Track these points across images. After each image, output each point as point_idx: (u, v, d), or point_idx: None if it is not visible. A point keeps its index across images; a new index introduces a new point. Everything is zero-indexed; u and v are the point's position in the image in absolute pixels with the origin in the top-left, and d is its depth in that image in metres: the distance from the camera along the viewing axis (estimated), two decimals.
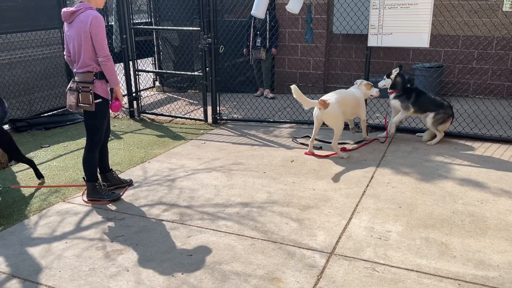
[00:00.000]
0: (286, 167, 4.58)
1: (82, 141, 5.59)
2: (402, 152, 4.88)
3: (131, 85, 6.96)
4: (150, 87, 9.22)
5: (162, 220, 3.49)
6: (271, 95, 7.94)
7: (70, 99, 3.58)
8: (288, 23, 7.90)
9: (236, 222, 3.42)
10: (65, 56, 3.72)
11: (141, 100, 7.10)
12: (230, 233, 3.26)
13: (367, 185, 4.06)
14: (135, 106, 7.00)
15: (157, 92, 8.97)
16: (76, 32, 3.48)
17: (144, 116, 7.02)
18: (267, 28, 7.69)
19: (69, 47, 3.62)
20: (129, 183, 4.16)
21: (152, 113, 7.01)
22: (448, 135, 5.30)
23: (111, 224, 3.44)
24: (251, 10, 5.62)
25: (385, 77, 5.37)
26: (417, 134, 5.46)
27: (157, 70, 8.81)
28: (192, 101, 7.92)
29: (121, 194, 3.92)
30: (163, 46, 9.14)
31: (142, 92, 8.50)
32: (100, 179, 3.98)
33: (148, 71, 7.38)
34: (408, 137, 5.39)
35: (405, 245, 3.03)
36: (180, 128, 6.30)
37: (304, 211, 3.59)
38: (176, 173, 4.47)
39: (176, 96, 8.44)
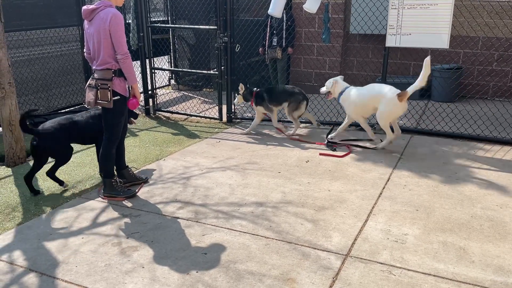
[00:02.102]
0: (301, 167, 4.55)
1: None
2: (420, 155, 4.81)
3: (147, 83, 7.00)
4: (165, 85, 9.27)
5: (177, 217, 3.50)
6: None
7: (89, 96, 3.62)
8: (304, 23, 7.86)
9: (250, 222, 3.40)
10: (85, 54, 3.76)
11: (156, 98, 7.14)
12: (245, 232, 3.25)
13: (384, 187, 4.01)
14: (150, 103, 7.04)
15: (172, 90, 9.01)
16: (95, 30, 3.51)
17: (159, 114, 7.05)
18: (284, 27, 7.67)
19: (89, 44, 3.65)
20: (144, 180, 4.19)
21: (167, 111, 7.04)
22: (467, 138, 5.22)
23: (126, 220, 3.46)
24: (268, 9, 5.61)
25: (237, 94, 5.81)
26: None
27: (173, 68, 8.85)
28: (207, 99, 7.93)
29: (136, 191, 3.94)
30: (179, 44, 9.18)
31: (157, 90, 8.59)
32: (117, 176, 4.00)
33: (164, 69, 7.42)
34: (425, 139, 5.31)
35: (422, 249, 2.99)
36: (195, 126, 6.31)
37: (319, 212, 3.56)
38: (191, 171, 4.48)
39: (191, 95, 8.47)
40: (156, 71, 7.17)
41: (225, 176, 4.35)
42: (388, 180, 4.16)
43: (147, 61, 6.92)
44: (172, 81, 9.35)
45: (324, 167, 4.53)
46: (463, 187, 3.97)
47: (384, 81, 5.54)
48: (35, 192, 3.97)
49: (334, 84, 5.27)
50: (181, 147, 5.33)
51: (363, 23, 7.00)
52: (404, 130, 5.57)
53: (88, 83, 3.67)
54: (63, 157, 4.04)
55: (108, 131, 3.74)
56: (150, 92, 7.01)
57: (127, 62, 3.59)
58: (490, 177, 4.16)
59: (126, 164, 4.14)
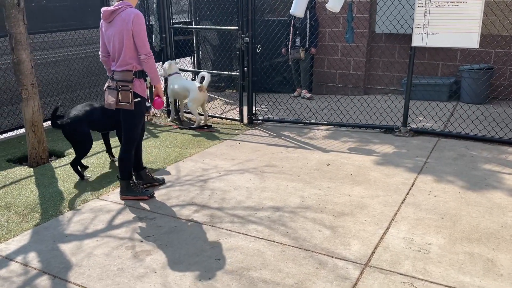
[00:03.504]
0: (321, 171, 4.43)
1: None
2: (447, 159, 4.60)
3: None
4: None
5: (193, 221, 3.44)
6: (308, 95, 7.78)
7: (109, 98, 3.61)
8: (328, 22, 7.71)
9: (266, 227, 3.31)
10: (100, 56, 3.75)
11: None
12: (260, 238, 3.16)
13: (407, 193, 3.85)
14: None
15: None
16: (117, 31, 3.49)
17: (180, 115, 7.04)
18: (307, 27, 7.54)
19: (107, 46, 3.65)
20: (161, 182, 4.16)
21: (188, 112, 7.01)
22: (498, 141, 4.97)
23: (142, 223, 3.43)
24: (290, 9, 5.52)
25: None
26: None
27: (195, 69, 8.84)
28: (229, 100, 7.89)
29: (153, 192, 3.91)
30: (202, 45, 9.18)
31: None
32: (134, 177, 3.99)
33: (186, 71, 7.40)
34: (453, 143, 5.09)
35: (446, 260, 2.83)
36: (216, 127, 6.26)
37: (338, 218, 3.44)
38: (208, 174, 4.42)
39: (214, 96, 8.44)
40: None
41: (243, 179, 4.28)
42: (412, 186, 3.99)
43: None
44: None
45: (345, 171, 4.39)
46: (493, 194, 3.76)
47: (409, 83, 5.32)
48: (81, 176, 4.35)
49: (168, 66, 6.40)
50: (200, 148, 5.29)
51: (389, 22, 6.81)
52: (431, 133, 5.37)
53: (107, 85, 3.67)
54: (82, 145, 4.27)
55: (127, 132, 3.73)
56: None
57: (151, 61, 3.56)
58: None
59: (144, 166, 4.12)
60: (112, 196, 3.93)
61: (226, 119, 6.64)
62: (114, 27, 3.50)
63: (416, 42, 5.08)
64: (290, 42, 7.69)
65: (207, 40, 9.19)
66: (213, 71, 8.44)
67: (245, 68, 6.26)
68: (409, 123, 5.50)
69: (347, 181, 4.14)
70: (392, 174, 4.27)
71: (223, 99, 8.05)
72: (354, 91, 7.84)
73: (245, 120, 6.44)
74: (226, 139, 5.64)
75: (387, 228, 3.25)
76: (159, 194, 3.97)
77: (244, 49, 6.15)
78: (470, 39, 4.78)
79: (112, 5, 3.54)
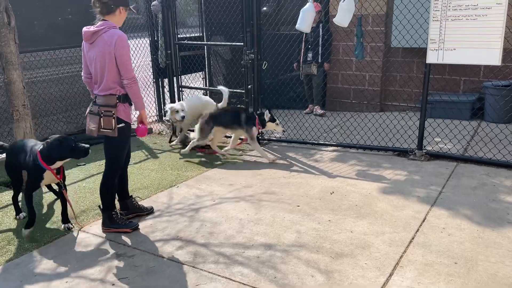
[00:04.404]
0: (324, 200, 4.06)
1: None
2: (465, 188, 4.16)
3: (174, 101, 6.77)
4: None
5: (174, 260, 3.13)
6: (320, 111, 7.42)
7: (91, 124, 3.37)
8: (342, 36, 7.34)
9: (253, 270, 2.97)
10: (83, 78, 3.52)
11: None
12: (244, 284, 2.82)
13: (417, 230, 3.43)
14: None
15: None
16: (99, 53, 3.26)
17: (186, 134, 6.79)
18: (320, 41, 7.21)
19: (89, 68, 3.42)
20: (149, 211, 3.88)
21: (193, 131, 6.75)
22: None
23: (119, 261, 3.14)
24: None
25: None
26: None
27: (204, 86, 8.63)
28: None
29: (138, 224, 3.63)
30: (214, 60, 8.96)
31: None
32: (119, 206, 3.73)
33: (191, 87, 7.16)
34: (473, 168, 4.63)
35: None
36: (220, 148, 5.96)
37: (335, 260, 3.06)
38: (202, 202, 4.12)
39: None
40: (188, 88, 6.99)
41: (238, 208, 3.95)
42: (423, 221, 3.57)
43: (175, 79, 6.71)
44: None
45: (350, 201, 4.01)
46: None
47: (425, 102, 4.90)
48: (16, 213, 3.96)
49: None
50: (199, 171, 5.00)
51: (407, 36, 6.38)
52: (449, 157, 4.92)
53: (88, 110, 3.43)
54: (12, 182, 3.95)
55: (110, 160, 3.48)
56: None
57: (134, 87, 3.32)
58: None
59: (131, 194, 3.85)
60: (95, 227, 3.67)
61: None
62: (95, 49, 3.27)
63: (432, 59, 4.67)
64: (301, 57, 7.38)
65: (219, 55, 8.97)
66: (217, 88, 8.23)
67: (250, 86, 5.96)
68: (425, 146, 5.06)
69: (350, 214, 3.76)
70: (402, 205, 3.86)
71: None
72: (370, 107, 7.43)
73: None
74: (228, 161, 5.34)
75: (390, 275, 2.86)
76: (145, 225, 3.68)
77: (249, 66, 5.86)
78: (492, 55, 4.34)
79: (95, 24, 3.31)
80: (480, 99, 6.53)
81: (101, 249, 3.32)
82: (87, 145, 3.42)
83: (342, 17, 4.95)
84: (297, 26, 5.25)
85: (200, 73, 9.06)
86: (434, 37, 4.60)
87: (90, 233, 3.57)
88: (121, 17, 3.35)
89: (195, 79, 8.84)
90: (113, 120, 3.27)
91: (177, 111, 5.68)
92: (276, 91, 7.91)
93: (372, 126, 5.77)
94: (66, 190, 3.59)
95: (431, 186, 4.22)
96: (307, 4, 5.19)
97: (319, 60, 7.25)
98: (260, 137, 6.08)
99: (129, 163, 3.79)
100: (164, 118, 6.16)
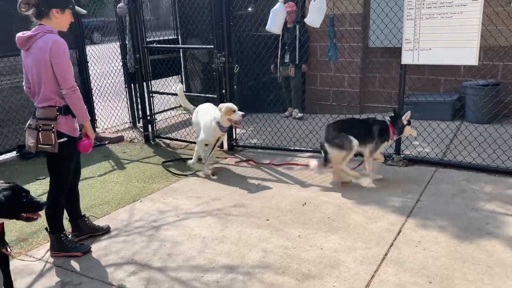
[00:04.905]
0: (295, 212, 3.81)
1: (83, 172, 5.12)
2: (443, 196, 3.94)
3: (145, 107, 6.49)
4: (177, 106, 8.76)
5: None
6: (299, 114, 7.18)
7: (29, 139, 3.06)
8: (321, 37, 7.09)
9: None
10: (24, 88, 3.22)
11: (155, 124, 6.61)
12: None
13: (391, 244, 3.20)
14: (150, 130, 6.51)
15: (184, 112, 8.48)
16: (34, 61, 2.97)
17: (159, 141, 6.51)
18: (297, 43, 6.97)
19: (28, 77, 3.12)
20: (105, 231, 3.59)
21: (166, 138, 6.49)
22: (504, 172, 4.28)
23: None
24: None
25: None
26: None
27: (174, 91, 8.34)
28: None
29: (90, 247, 3.34)
30: (191, 63, 8.68)
31: (168, 112, 8.09)
32: (71, 227, 3.44)
33: (162, 93, 6.86)
34: (453, 174, 4.41)
35: None
36: (193, 156, 5.68)
37: (302, 282, 2.81)
38: (164, 218, 3.84)
39: None
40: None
41: (202, 225, 3.68)
42: (398, 234, 3.34)
43: (145, 84, 6.41)
44: None
45: (322, 213, 3.76)
46: (495, 246, 3.09)
47: (401, 104, 4.68)
48: None
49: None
50: (168, 182, 4.72)
51: (383, 35, 6.17)
52: (428, 162, 4.70)
53: (28, 123, 3.13)
54: None
55: (54, 179, 3.18)
56: (149, 117, 6.49)
57: (74, 97, 3.02)
58: None
59: (83, 213, 3.56)
60: (43, 251, 3.37)
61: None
62: (31, 56, 2.98)
63: (407, 59, 4.45)
64: (278, 59, 7.13)
65: (196, 58, 8.69)
66: (190, 94, 7.96)
67: (223, 91, 5.69)
68: (403, 150, 4.85)
69: (322, 228, 3.51)
70: (377, 217, 3.62)
71: None
72: (350, 109, 7.20)
73: (225, 146, 5.86)
74: (199, 170, 5.06)
75: None
76: (98, 247, 3.39)
77: (220, 70, 5.59)
78: (468, 54, 4.13)
79: (31, 29, 3.02)
80: (460, 99, 6.35)
81: (46, 276, 3.02)
82: (42, 200, 2.72)
83: (314, 17, 4.71)
84: (267, 27, 5.00)
85: (176, 77, 8.79)
86: (408, 37, 4.38)
87: (36, 258, 3.26)
88: (61, 21, 3.05)
89: (172, 84, 8.54)
90: (53, 134, 2.98)
91: (234, 111, 4.59)
92: (256, 94, 7.65)
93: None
94: (7, 247, 2.75)
95: (408, 195, 4.00)
96: (277, 4, 4.95)
97: (297, 62, 7.01)
98: (234, 144, 5.82)
99: (94, 175, 3.46)
100: (214, 124, 4.68)
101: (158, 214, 3.93)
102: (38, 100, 3.04)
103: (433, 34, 4.25)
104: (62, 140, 3.04)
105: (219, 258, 3.15)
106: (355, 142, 4.11)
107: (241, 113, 4.59)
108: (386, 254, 3.07)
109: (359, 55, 6.95)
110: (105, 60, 7.56)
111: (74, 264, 3.17)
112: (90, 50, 7.67)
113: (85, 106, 3.12)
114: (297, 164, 4.96)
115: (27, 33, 2.98)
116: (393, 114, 4.33)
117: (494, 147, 4.57)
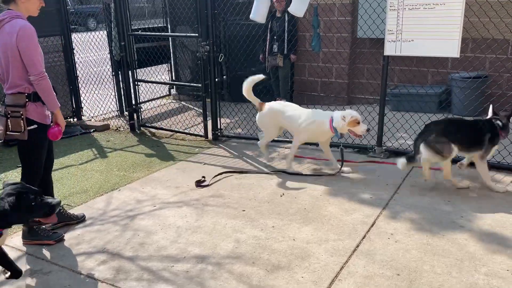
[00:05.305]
0: (272, 203, 3.80)
1: (64, 160, 5.13)
2: (421, 189, 3.94)
3: (130, 96, 6.44)
4: (166, 95, 8.71)
5: (92, 278, 2.84)
6: None
7: None
8: (308, 27, 7.04)
9: (178, 287, 2.70)
10: None
11: (141, 113, 6.56)
12: None
13: (364, 236, 3.20)
14: (135, 118, 6.47)
15: (173, 101, 8.44)
16: (1, 47, 2.93)
17: (145, 130, 6.47)
18: (285, 32, 6.90)
19: None
20: (80, 220, 3.58)
21: (152, 127, 6.45)
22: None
23: (32, 280, 2.84)
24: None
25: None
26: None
27: (170, 80, 8.31)
28: (207, 112, 7.27)
29: (62, 235, 3.33)
30: (180, 52, 8.59)
31: (157, 101, 8.04)
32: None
33: (147, 81, 6.80)
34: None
35: None
36: (177, 145, 5.67)
37: (271, 273, 2.81)
38: (141, 207, 3.83)
39: (191, 106, 7.86)
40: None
41: (178, 214, 3.67)
42: (372, 226, 3.34)
43: (130, 72, 6.35)
44: (173, 91, 8.78)
45: (299, 204, 3.75)
46: (467, 239, 3.09)
47: (383, 96, 4.66)
48: None
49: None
50: (148, 172, 4.70)
51: (373, 26, 6.10)
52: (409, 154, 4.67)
53: None
54: None
55: (25, 167, 3.16)
56: (134, 106, 6.44)
57: (43, 83, 2.98)
58: (505, 225, 3.25)
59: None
60: (16, 239, 3.35)
61: (191, 134, 6.04)
62: None
63: (389, 51, 4.42)
64: (267, 48, 7.07)
65: (186, 46, 8.60)
66: (174, 82, 7.91)
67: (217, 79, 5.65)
68: (384, 142, 4.83)
69: (297, 219, 3.51)
70: (352, 209, 3.62)
71: (199, 110, 7.43)
72: (337, 100, 7.17)
73: (210, 136, 5.84)
74: (181, 160, 5.04)
75: None
76: (72, 236, 3.38)
77: (205, 58, 5.54)
78: (450, 46, 4.10)
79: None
80: (447, 92, 6.32)
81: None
82: (54, 200, 2.56)
83: (297, 6, 4.65)
84: (251, 16, 4.95)
85: (166, 66, 8.72)
86: (391, 28, 4.35)
87: (9, 246, 3.25)
88: (29, 5, 3.00)
89: (159, 73, 8.48)
90: (22, 121, 2.95)
91: (359, 122, 4.12)
92: (243, 84, 7.59)
93: None
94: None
95: (385, 187, 3.99)
96: None
97: (285, 52, 6.95)
98: (219, 134, 5.80)
99: (75, 164, 3.40)
100: (327, 126, 4.21)
101: (135, 204, 3.91)
102: (7, 86, 3.01)
103: (416, 26, 4.21)
104: (32, 127, 3.01)
105: (191, 248, 3.14)
106: (454, 152, 3.70)
107: (366, 127, 4.12)
108: (357, 246, 3.08)
109: (347, 46, 6.90)
110: (95, 47, 7.48)
111: (46, 252, 3.16)
112: (82, 36, 7.61)
113: (54, 93, 3.08)
114: (379, 163, 4.57)
115: None
116: (498, 117, 3.84)
117: None
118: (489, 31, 5.25)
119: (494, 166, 4.23)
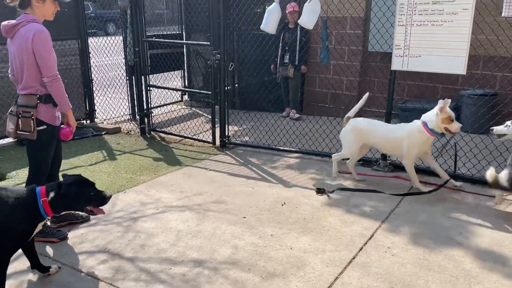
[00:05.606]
0: (273, 211, 3.85)
1: (74, 161, 5.26)
2: (423, 203, 3.94)
3: (142, 101, 6.57)
4: (177, 101, 8.85)
5: (92, 276, 2.92)
6: (296, 115, 7.20)
7: (9, 125, 3.16)
8: (319, 39, 7.10)
9: None
10: (9, 75, 3.32)
11: (152, 117, 6.68)
12: None
13: (360, 248, 3.22)
14: (146, 122, 6.59)
15: (184, 107, 8.57)
16: (17, 49, 3.06)
17: (155, 134, 6.59)
18: (297, 43, 6.98)
19: (12, 65, 3.21)
20: (84, 219, 3.67)
21: (162, 131, 6.57)
22: (487, 183, 4.23)
23: (33, 275, 2.93)
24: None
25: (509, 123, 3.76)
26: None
27: (183, 86, 8.45)
28: (216, 119, 7.37)
29: (66, 234, 3.42)
30: (194, 59, 8.74)
31: (169, 106, 8.18)
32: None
33: (158, 87, 6.92)
34: (436, 181, 4.40)
35: None
36: (185, 150, 5.77)
37: (265, 280, 2.85)
38: (144, 210, 3.91)
39: (201, 112, 7.97)
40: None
41: (180, 218, 3.74)
42: (370, 238, 3.36)
43: (143, 78, 6.49)
44: (185, 97, 8.92)
45: (299, 214, 3.79)
46: (464, 256, 3.09)
47: (389, 110, 4.69)
48: None
49: None
50: (155, 175, 4.79)
51: (383, 40, 6.15)
52: (416, 170, 4.67)
53: (9, 110, 3.22)
54: None
55: (32, 166, 3.27)
56: (145, 111, 6.57)
57: (55, 85, 3.10)
58: (503, 244, 3.24)
59: None
60: None
61: (199, 140, 6.13)
62: (14, 45, 3.07)
63: (396, 65, 4.46)
64: (278, 58, 7.16)
65: (200, 54, 8.75)
66: (185, 89, 8.04)
67: (228, 87, 5.74)
68: (389, 156, 4.84)
69: (296, 228, 3.55)
70: (352, 221, 3.65)
71: (209, 116, 7.52)
72: (347, 112, 7.18)
73: (218, 143, 5.91)
74: (188, 165, 5.13)
75: None
76: (75, 234, 3.47)
77: (216, 67, 5.64)
78: (457, 63, 4.12)
79: (16, 18, 3.10)
80: (457, 108, 6.30)
81: (20, 259, 3.11)
82: (108, 194, 2.86)
83: (307, 19, 4.73)
84: (262, 26, 5.04)
85: (180, 72, 8.85)
86: (399, 43, 4.38)
87: None
88: (43, 10, 3.12)
89: (176, 79, 8.62)
90: (32, 121, 3.06)
91: (453, 120, 3.99)
92: (256, 92, 7.70)
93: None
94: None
95: (386, 200, 4.01)
96: (272, 4, 4.97)
97: (296, 63, 7.03)
98: (226, 141, 5.87)
99: (84, 165, 3.50)
100: (421, 128, 4.09)
101: (139, 206, 4.00)
102: (20, 87, 3.13)
103: (423, 42, 4.24)
104: (41, 128, 3.13)
105: (189, 252, 3.20)
106: None
107: (459, 124, 3.98)
108: (354, 258, 3.10)
109: (358, 59, 6.95)
110: (110, 52, 7.66)
111: (49, 249, 3.25)
112: (100, 41, 7.81)
113: (66, 95, 3.19)
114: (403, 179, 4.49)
115: (12, 21, 3.07)
116: None
117: (482, 156, 4.54)
118: (505, 46, 5.22)
119: None
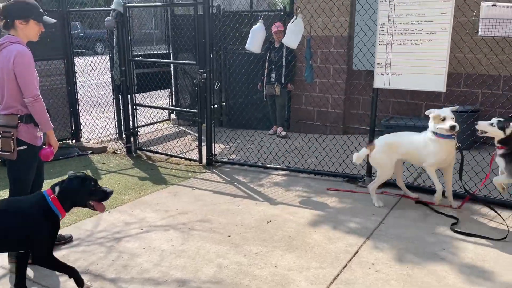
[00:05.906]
0: (258, 229, 3.84)
1: (57, 181, 5.18)
2: (406, 219, 3.97)
3: (129, 120, 6.56)
4: (165, 120, 8.86)
5: None
6: (283, 133, 7.25)
7: None
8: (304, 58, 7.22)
9: None
10: None
11: (138, 136, 6.67)
12: None
13: (345, 265, 3.22)
14: (132, 141, 6.57)
15: (171, 125, 8.58)
16: None
17: (141, 153, 6.57)
18: (283, 62, 7.07)
19: None
20: (67, 240, 3.62)
21: (148, 150, 6.55)
22: (471, 200, 4.29)
23: None
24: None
25: (494, 122, 3.82)
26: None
27: (170, 105, 8.48)
28: (203, 137, 7.37)
29: None
30: (181, 78, 8.78)
31: (156, 125, 8.18)
32: None
33: (144, 106, 6.94)
34: (423, 198, 4.43)
35: None
36: (171, 169, 5.75)
37: None
38: (128, 230, 3.87)
39: (188, 131, 7.97)
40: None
41: (164, 238, 3.71)
42: (354, 255, 3.36)
43: (129, 97, 6.50)
44: (173, 116, 8.93)
45: (285, 231, 3.79)
46: (447, 271, 3.11)
47: (372, 127, 4.75)
48: None
49: None
50: (139, 195, 4.76)
51: (365, 59, 6.27)
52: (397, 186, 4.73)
53: None
54: None
55: (13, 186, 3.23)
56: (131, 129, 6.56)
57: (37, 106, 3.09)
58: (486, 259, 3.26)
59: None
60: (2, 256, 3.40)
61: (185, 159, 6.12)
62: None
63: (378, 83, 4.54)
64: (265, 77, 7.24)
65: (186, 72, 8.80)
66: (171, 108, 8.06)
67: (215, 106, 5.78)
68: (374, 172, 4.88)
69: (281, 246, 3.54)
70: (337, 237, 3.65)
71: (195, 135, 7.53)
72: (333, 130, 7.27)
73: (204, 161, 5.91)
74: (173, 184, 5.11)
75: None
76: (57, 255, 3.30)
77: (202, 85, 5.68)
78: (436, 81, 4.21)
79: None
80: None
81: (1, 283, 3.05)
82: (109, 189, 2.94)
83: (291, 38, 4.82)
84: (247, 46, 5.11)
85: (167, 91, 8.88)
86: (380, 61, 4.47)
87: None
88: (27, 31, 3.14)
89: (160, 97, 8.64)
90: (12, 141, 3.04)
91: (444, 118, 3.98)
92: (243, 110, 7.74)
93: (330, 150, 5.54)
94: None
95: (372, 217, 4.03)
96: (257, 24, 5.06)
97: (282, 81, 7.11)
98: (213, 159, 5.87)
99: None
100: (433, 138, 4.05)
101: (123, 226, 3.96)
102: (1, 107, 3.12)
103: (404, 60, 4.33)
104: (21, 148, 3.10)
105: (173, 272, 3.17)
106: None
107: (451, 122, 3.91)
108: (338, 275, 3.09)
109: (343, 77, 7.06)
110: (97, 71, 7.67)
111: (29, 271, 3.19)
112: (87, 61, 7.83)
113: (48, 115, 3.18)
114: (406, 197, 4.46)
115: None
116: None
117: (464, 172, 4.59)
118: (483, 65, 5.37)
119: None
